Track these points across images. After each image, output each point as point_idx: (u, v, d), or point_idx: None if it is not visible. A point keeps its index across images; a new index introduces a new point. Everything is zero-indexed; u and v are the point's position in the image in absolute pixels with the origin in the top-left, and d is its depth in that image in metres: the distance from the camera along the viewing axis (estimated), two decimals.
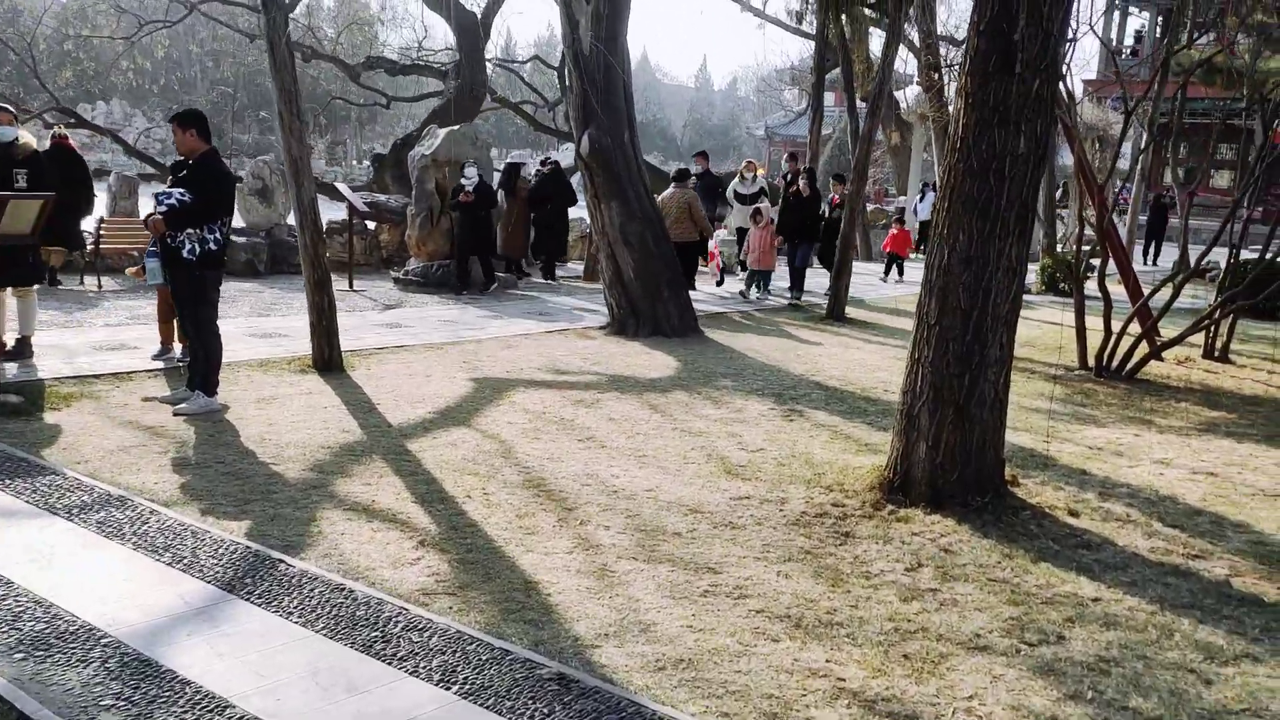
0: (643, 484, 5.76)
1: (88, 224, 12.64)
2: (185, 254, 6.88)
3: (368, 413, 7.29)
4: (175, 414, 6.91)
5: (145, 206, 9.44)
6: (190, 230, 6.85)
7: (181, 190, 6.91)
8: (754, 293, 14.69)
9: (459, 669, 3.51)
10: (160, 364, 8.35)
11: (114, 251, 12.95)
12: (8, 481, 5.24)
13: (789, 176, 16.06)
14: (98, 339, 9.21)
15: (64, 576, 4.15)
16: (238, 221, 15.90)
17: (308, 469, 5.90)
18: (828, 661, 3.68)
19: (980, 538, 5.03)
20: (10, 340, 8.01)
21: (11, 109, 8.82)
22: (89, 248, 12.62)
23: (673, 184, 14.19)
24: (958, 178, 5.35)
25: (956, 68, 17.61)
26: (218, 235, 6.95)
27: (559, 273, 16.22)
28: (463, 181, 13.47)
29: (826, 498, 5.59)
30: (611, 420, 7.19)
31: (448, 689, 3.36)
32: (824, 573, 4.54)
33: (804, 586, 4.38)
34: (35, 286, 8.05)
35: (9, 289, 7.89)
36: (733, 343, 10.76)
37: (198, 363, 7.13)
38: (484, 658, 3.60)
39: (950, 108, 15.61)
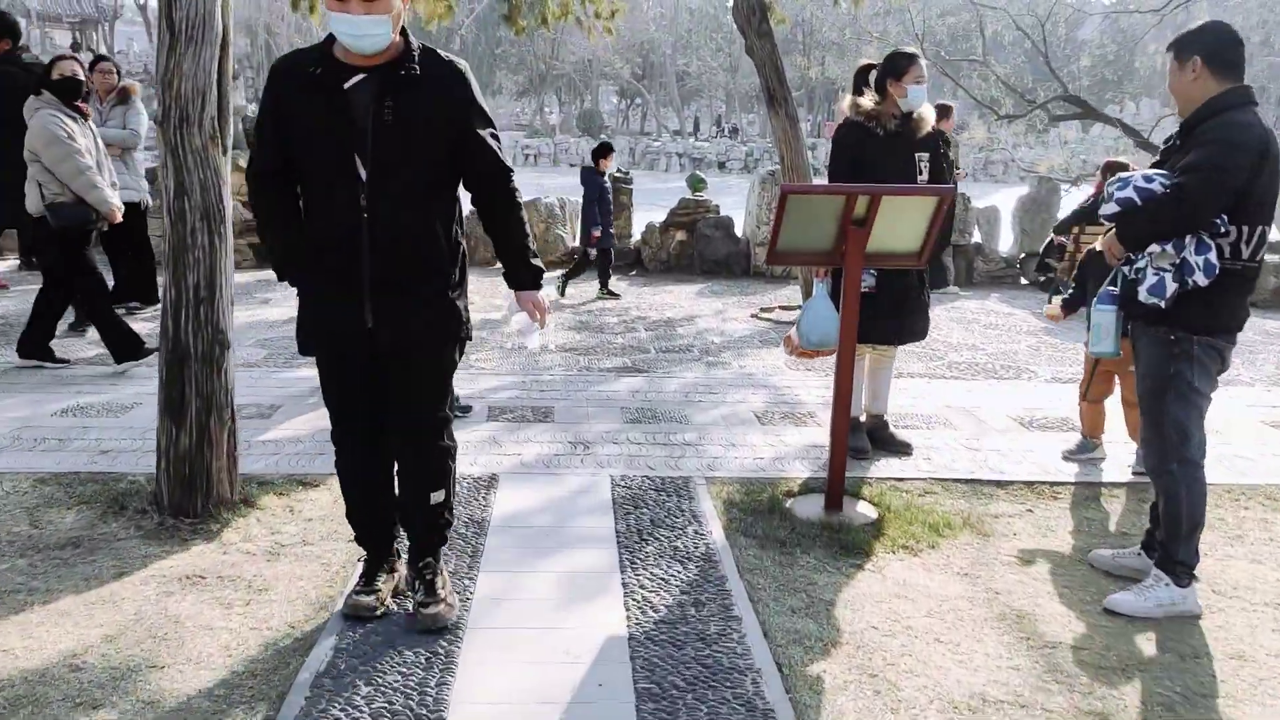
0: None
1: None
2: (1143, 294, 3.48)
3: None
4: (1105, 608, 3.59)
5: None
6: (1160, 247, 3.42)
7: (1158, 174, 3.50)
8: None
9: None
10: (1115, 472, 5.04)
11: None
12: None
13: None
14: (1026, 405, 6.25)
15: None
16: None
17: None
18: None
19: None
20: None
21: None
22: (1061, 259, 9.77)
23: None
24: None
25: None
26: (1210, 258, 3.37)
27: None
28: None
29: None
30: None
31: None
32: None
33: None
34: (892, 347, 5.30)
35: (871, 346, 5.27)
36: None
37: (1166, 514, 3.66)
38: None
39: None
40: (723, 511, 4.33)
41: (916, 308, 5.19)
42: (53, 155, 6.13)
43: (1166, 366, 3.55)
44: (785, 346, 5.09)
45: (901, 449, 5.24)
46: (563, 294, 9.75)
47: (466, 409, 5.61)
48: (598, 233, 9.74)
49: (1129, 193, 3.51)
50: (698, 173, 12.88)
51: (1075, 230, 9.66)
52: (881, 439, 5.29)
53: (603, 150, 10.02)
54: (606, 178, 9.92)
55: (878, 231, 4.21)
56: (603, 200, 9.81)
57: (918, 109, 4.97)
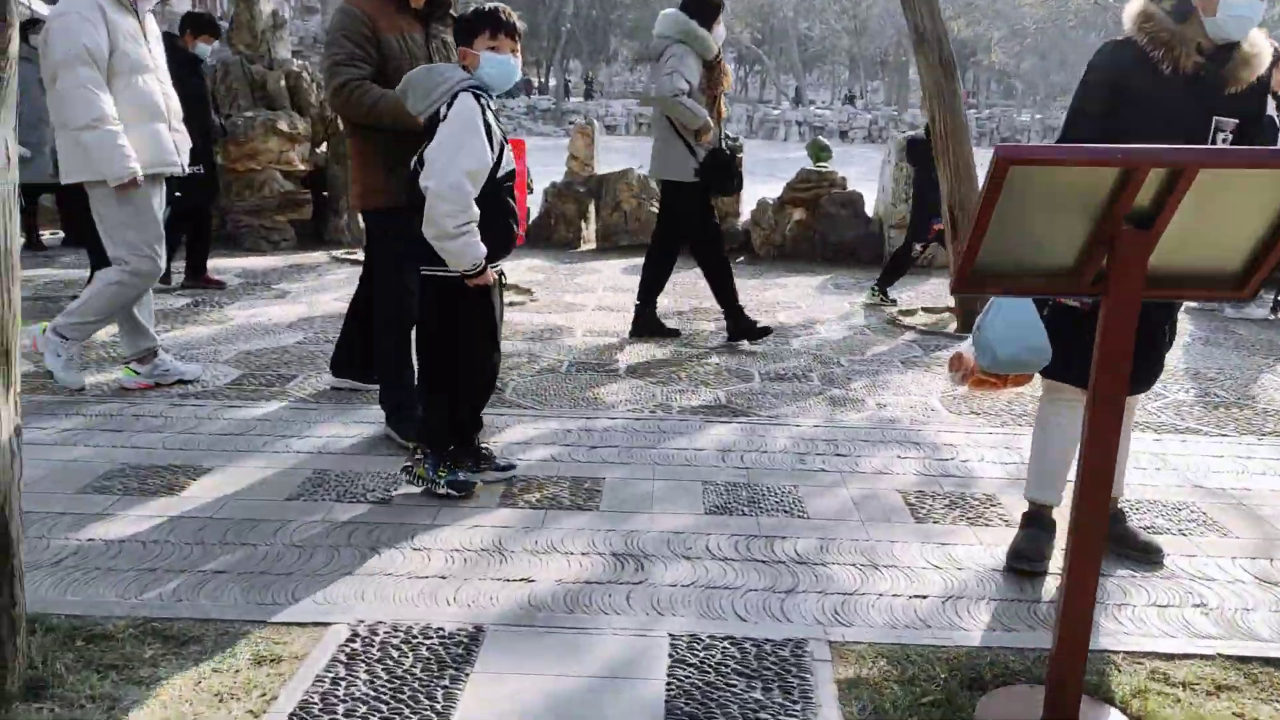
0: None
1: None
2: None
3: None
4: None
5: None
6: None
7: None
8: None
9: None
10: None
11: None
12: None
13: None
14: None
15: None
16: None
17: None
18: None
19: None
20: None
21: None
22: None
23: None
24: None
25: None
26: None
27: None
28: None
29: None
30: None
31: None
32: None
33: None
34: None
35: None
36: None
37: None
38: None
39: None
40: None
41: (1162, 339, 3.28)
42: None
43: None
44: (952, 370, 3.22)
45: (1147, 552, 3.33)
46: (883, 301, 7.69)
47: (507, 468, 3.90)
48: (939, 225, 7.39)
49: None
50: (820, 138, 10.84)
51: None
52: (1116, 535, 3.36)
53: None
54: None
55: (1172, 236, 2.21)
56: (935, 186, 7.44)
57: (1241, 39, 2.93)
